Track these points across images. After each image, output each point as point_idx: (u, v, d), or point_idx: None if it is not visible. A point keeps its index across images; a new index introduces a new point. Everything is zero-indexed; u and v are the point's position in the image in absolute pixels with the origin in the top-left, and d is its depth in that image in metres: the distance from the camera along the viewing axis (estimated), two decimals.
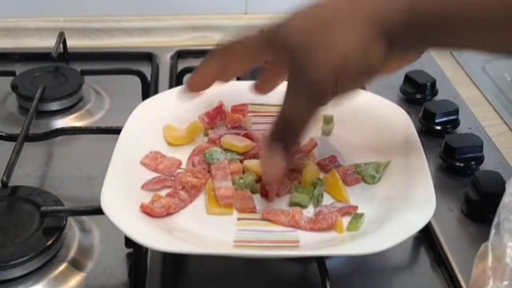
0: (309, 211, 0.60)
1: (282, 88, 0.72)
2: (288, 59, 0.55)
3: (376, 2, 0.52)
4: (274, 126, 0.56)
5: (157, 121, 0.68)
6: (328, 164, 0.66)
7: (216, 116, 0.70)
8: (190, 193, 0.61)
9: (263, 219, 0.59)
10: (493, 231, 0.45)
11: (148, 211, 0.57)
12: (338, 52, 0.52)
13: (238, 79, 0.85)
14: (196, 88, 0.64)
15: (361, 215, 0.59)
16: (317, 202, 0.61)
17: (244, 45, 0.59)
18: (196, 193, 0.61)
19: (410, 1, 0.51)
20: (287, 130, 0.56)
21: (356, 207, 0.60)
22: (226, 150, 0.66)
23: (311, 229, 0.58)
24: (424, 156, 0.63)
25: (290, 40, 0.54)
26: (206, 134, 0.70)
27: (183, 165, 0.66)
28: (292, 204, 0.61)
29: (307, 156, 0.66)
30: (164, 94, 0.74)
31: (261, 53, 0.59)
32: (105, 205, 0.55)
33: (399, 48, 0.54)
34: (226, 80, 0.64)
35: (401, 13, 0.51)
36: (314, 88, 0.53)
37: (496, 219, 0.45)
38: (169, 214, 0.58)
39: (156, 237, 0.54)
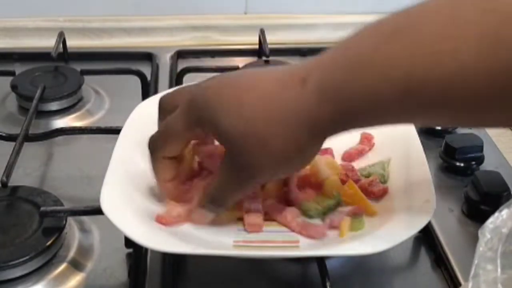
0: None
1: None
2: (222, 142, 0.54)
3: (304, 108, 0.50)
4: (204, 196, 0.57)
5: (157, 121, 0.68)
6: (346, 173, 0.63)
7: None
8: (203, 175, 0.60)
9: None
10: (470, 284, 0.45)
11: (163, 221, 0.57)
12: (275, 153, 0.52)
13: None
14: (176, 194, 0.60)
15: (361, 215, 0.59)
16: (323, 215, 0.60)
17: (173, 134, 0.57)
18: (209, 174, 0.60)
19: (333, 101, 0.49)
20: (213, 204, 0.57)
21: (361, 208, 0.59)
22: None
23: (300, 233, 0.57)
24: (424, 156, 0.62)
25: (222, 127, 0.52)
26: None
27: None
28: (302, 212, 0.60)
29: (331, 168, 0.64)
30: (163, 94, 0.73)
31: (192, 132, 0.56)
32: (104, 205, 0.55)
33: (330, 138, 0.54)
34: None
35: (329, 115, 0.50)
36: (246, 180, 0.54)
37: (472, 271, 0.45)
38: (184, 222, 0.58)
39: (155, 238, 0.54)
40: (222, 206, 0.57)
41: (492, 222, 0.46)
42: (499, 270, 0.44)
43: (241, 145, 0.52)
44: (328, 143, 0.64)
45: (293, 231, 0.58)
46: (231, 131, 0.52)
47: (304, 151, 0.53)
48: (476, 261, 0.45)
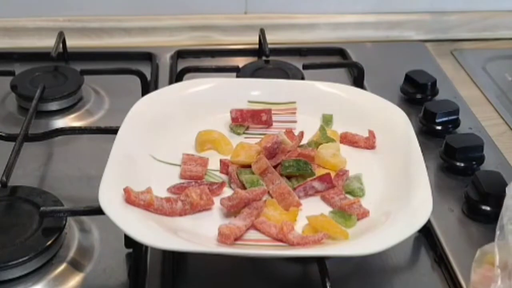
0: (303, 222, 0.59)
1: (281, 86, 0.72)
2: None
3: None
4: None
5: (155, 118, 0.68)
6: (333, 196, 0.62)
7: (247, 118, 0.71)
8: (184, 208, 0.59)
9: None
10: (497, 233, 0.48)
11: (128, 194, 0.57)
12: None
13: (238, 76, 0.86)
14: None
15: (349, 216, 0.59)
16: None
17: None
18: (190, 210, 0.59)
19: None
20: None
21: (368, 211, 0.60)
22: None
23: (298, 244, 0.56)
24: (421, 157, 0.62)
25: None
26: (237, 133, 0.71)
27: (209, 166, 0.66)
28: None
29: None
30: (161, 91, 0.74)
31: None
32: (102, 201, 0.55)
33: None
34: None
35: None
36: None
37: (499, 222, 0.47)
38: (146, 209, 0.58)
39: (153, 235, 0.54)
40: None
41: None
42: None
43: None
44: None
45: (290, 244, 0.56)
46: None
47: None
48: (503, 213, 0.48)
